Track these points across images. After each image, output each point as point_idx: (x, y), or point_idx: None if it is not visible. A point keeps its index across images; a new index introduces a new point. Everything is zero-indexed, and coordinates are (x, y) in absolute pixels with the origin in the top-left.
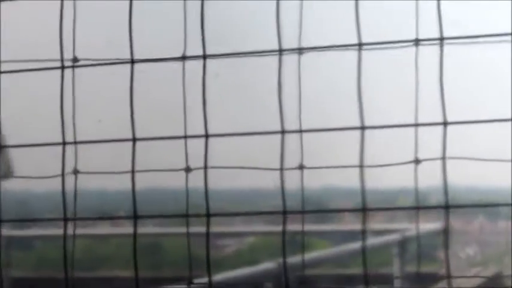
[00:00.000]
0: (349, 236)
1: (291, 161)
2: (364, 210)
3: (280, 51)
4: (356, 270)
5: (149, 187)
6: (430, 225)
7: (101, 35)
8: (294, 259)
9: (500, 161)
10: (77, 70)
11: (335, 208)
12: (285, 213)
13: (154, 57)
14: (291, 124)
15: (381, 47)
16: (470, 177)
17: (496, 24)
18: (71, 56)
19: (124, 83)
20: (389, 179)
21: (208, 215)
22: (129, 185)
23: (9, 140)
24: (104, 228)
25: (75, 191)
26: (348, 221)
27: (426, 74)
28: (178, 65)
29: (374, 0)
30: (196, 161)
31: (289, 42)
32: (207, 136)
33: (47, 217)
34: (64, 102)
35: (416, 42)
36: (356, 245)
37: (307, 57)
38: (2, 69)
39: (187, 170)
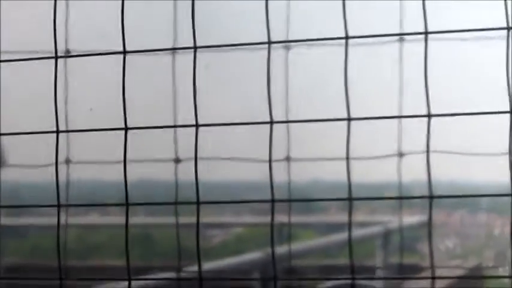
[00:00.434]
0: (335, 227)
1: (279, 154)
2: (350, 200)
3: (269, 43)
4: (340, 260)
5: (140, 179)
6: (412, 218)
7: (94, 26)
8: (281, 249)
9: (482, 155)
10: (69, 61)
11: (321, 198)
12: (273, 202)
13: (145, 49)
14: (280, 118)
15: (367, 42)
16: (452, 171)
17: (482, 21)
18: (63, 48)
19: (116, 74)
20: (375, 173)
21: (198, 203)
22: (120, 177)
23: (2, 129)
24: (95, 218)
25: (68, 180)
26: (334, 213)
27: (412, 70)
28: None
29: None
30: (187, 155)
31: (278, 37)
32: (197, 126)
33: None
34: (57, 93)
35: (401, 36)
36: (341, 236)
37: (294, 52)
38: None
39: (177, 161)
